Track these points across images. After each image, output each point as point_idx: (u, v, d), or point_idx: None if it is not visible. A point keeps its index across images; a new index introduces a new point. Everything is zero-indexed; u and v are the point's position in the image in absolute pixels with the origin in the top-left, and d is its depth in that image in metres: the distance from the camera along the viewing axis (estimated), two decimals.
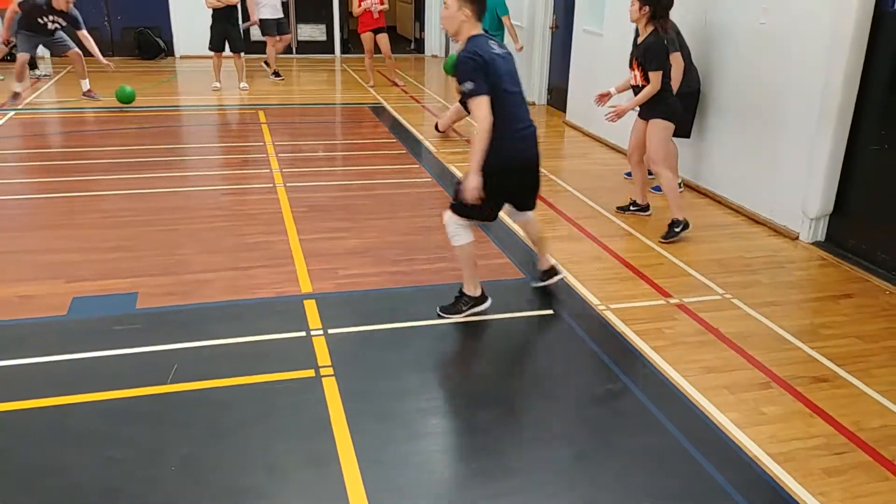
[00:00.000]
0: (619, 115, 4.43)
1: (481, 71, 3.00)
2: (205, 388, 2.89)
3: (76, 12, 7.73)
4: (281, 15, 9.91)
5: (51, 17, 7.63)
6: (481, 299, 3.45)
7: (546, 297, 3.78)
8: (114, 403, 2.77)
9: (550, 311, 3.62)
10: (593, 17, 7.22)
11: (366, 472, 2.43)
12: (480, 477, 2.48)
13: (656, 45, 4.27)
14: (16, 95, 7.88)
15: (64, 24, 7.73)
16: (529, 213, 3.58)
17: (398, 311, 3.55)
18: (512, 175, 3.25)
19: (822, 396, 2.94)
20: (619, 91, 4.67)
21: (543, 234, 3.74)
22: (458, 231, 3.30)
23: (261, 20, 9.74)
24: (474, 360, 3.21)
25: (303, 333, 3.31)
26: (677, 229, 4.50)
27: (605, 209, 5.10)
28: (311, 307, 3.53)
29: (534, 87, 8.92)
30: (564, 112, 8.06)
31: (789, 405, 2.88)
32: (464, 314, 3.42)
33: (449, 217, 3.30)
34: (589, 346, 3.31)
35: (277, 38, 9.94)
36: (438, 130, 6.95)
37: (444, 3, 3.15)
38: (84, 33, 7.83)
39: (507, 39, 7.86)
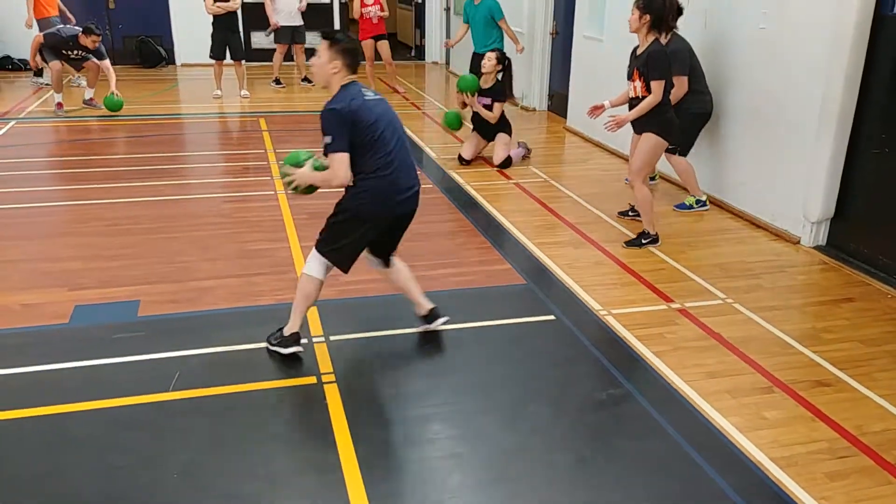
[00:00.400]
0: (619, 124, 4.34)
1: (344, 125, 2.81)
2: (207, 396, 2.89)
3: (101, 46, 7.96)
4: (298, 23, 9.78)
5: (75, 52, 7.88)
6: (293, 339, 3.11)
7: (547, 302, 3.78)
8: (116, 411, 2.78)
9: (552, 317, 3.62)
10: (593, 23, 7.25)
11: (368, 479, 2.43)
12: (482, 483, 2.48)
13: (659, 54, 4.19)
14: (59, 105, 8.03)
15: (87, 55, 7.99)
16: (395, 262, 3.32)
17: (399, 318, 3.54)
18: (380, 225, 3.05)
19: (825, 400, 2.94)
20: (614, 105, 4.59)
21: (412, 278, 3.37)
22: (316, 265, 3.06)
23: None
24: (475, 366, 3.21)
25: (304, 340, 3.31)
26: (645, 241, 4.46)
27: (607, 214, 5.11)
28: (312, 314, 3.53)
29: (534, 93, 8.94)
30: (565, 118, 8.08)
31: (791, 409, 2.88)
32: (271, 346, 3.15)
33: (313, 254, 3.08)
34: (590, 352, 3.31)
35: (287, 46, 9.86)
36: (464, 161, 6.32)
37: (317, 51, 2.93)
38: (107, 64, 8.01)
39: (507, 43, 7.89)
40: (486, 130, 6.39)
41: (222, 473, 2.46)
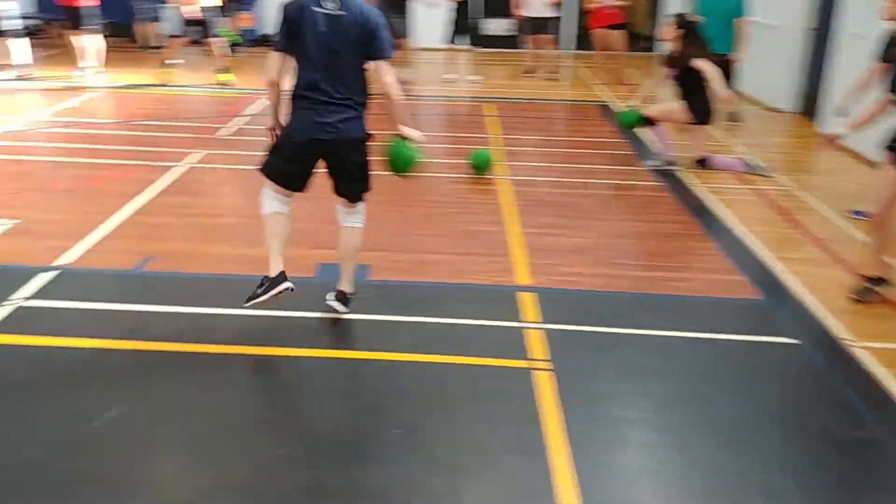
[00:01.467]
0: None
1: (284, 23, 2.92)
2: (423, 362, 3.04)
3: None
4: (547, 14, 9.50)
5: None
6: (276, 280, 2.99)
7: (784, 322, 3.41)
8: (345, 362, 3.05)
9: (787, 339, 3.26)
10: (863, 19, 6.31)
11: (581, 468, 2.39)
12: (695, 498, 2.32)
13: None
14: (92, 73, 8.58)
15: None
16: (351, 218, 3.23)
17: (617, 316, 3.43)
18: (295, 147, 3.02)
19: None
20: (855, 127, 3.79)
21: (356, 253, 3.26)
22: (264, 198, 3.13)
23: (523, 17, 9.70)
24: (699, 379, 2.99)
25: (516, 324, 3.34)
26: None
27: (862, 233, 4.46)
28: (526, 299, 3.55)
29: (782, 92, 8.10)
30: (818, 123, 7.20)
31: None
32: (257, 299, 3.00)
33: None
34: (832, 385, 2.94)
35: (533, 36, 9.77)
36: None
37: None
38: None
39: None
40: (684, 85, 5.58)
41: (436, 439, 2.58)
